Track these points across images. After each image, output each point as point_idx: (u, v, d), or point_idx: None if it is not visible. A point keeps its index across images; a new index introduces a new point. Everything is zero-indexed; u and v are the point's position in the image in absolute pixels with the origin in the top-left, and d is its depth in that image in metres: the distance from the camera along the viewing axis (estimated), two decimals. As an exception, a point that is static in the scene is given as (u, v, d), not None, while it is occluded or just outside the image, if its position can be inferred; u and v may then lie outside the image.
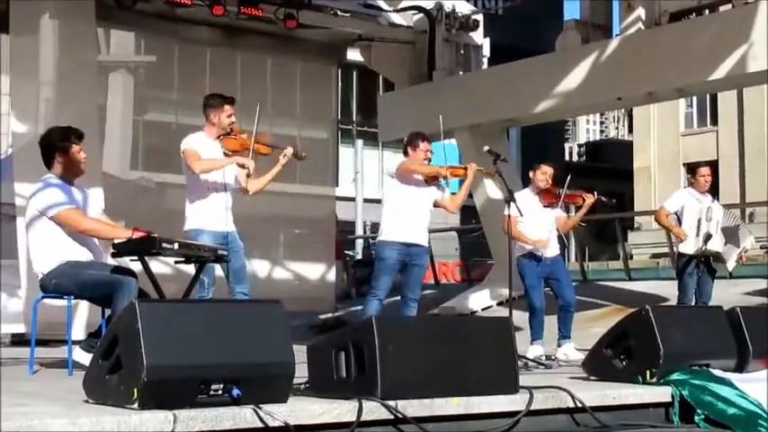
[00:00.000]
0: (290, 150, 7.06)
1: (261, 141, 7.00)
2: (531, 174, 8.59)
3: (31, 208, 6.06)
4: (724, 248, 8.65)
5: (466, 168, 7.68)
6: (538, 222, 8.41)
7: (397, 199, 7.66)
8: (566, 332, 8.34)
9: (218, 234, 6.73)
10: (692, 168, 9.13)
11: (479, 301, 13.60)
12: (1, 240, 10.60)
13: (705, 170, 8.87)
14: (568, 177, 8.54)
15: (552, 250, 8.50)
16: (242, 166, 6.83)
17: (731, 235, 8.67)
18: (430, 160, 7.71)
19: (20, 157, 11.53)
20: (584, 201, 8.56)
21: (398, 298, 7.66)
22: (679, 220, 8.75)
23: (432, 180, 7.62)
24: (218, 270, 6.76)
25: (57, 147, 6.12)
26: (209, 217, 6.74)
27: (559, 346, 8.30)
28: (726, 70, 10.94)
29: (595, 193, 8.58)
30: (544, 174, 8.51)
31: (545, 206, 8.51)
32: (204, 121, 6.94)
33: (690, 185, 9.01)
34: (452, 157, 8.89)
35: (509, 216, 7.72)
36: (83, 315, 8.95)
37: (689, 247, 8.62)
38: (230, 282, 6.77)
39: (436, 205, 7.79)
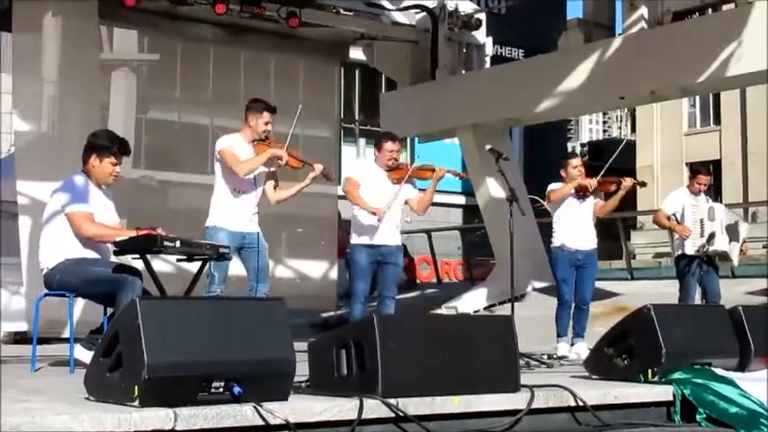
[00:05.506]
0: (319, 167, 6.99)
1: (292, 154, 6.95)
2: (562, 172, 8.42)
3: (53, 202, 6.08)
4: (729, 246, 8.67)
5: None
6: (576, 216, 8.32)
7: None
8: (579, 330, 8.29)
9: (237, 234, 6.75)
10: (694, 171, 9.12)
11: (481, 299, 13.57)
12: (3, 238, 10.59)
13: (705, 179, 8.97)
14: (607, 164, 8.43)
15: (589, 243, 8.37)
16: (277, 159, 6.78)
17: (732, 231, 8.71)
18: (397, 160, 7.52)
19: (22, 155, 11.54)
20: (618, 187, 8.46)
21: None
22: (676, 221, 8.74)
23: (396, 179, 7.46)
24: (232, 269, 6.77)
25: (96, 150, 6.12)
26: (231, 216, 6.77)
27: (572, 344, 8.27)
28: (729, 69, 10.92)
29: (627, 178, 8.45)
30: (575, 167, 8.39)
31: (578, 197, 8.34)
32: (240, 123, 6.92)
33: (687, 186, 9.01)
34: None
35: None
36: (81, 313, 8.95)
37: (690, 247, 8.62)
38: (251, 280, 6.82)
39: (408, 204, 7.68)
